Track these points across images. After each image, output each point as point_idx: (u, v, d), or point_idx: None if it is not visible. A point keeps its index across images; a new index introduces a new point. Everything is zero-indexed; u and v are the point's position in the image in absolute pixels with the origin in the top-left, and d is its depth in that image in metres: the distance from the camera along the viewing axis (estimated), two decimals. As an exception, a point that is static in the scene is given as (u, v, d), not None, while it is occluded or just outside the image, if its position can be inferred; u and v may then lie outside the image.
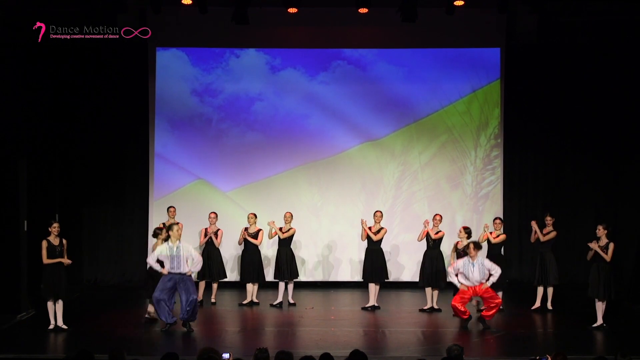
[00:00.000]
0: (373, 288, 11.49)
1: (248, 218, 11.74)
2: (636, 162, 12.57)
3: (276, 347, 8.22)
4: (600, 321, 10.08)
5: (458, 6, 11.96)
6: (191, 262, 9.89)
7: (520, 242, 13.34)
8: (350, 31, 13.38)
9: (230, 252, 13.13)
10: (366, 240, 11.52)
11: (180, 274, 9.80)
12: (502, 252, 11.70)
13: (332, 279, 13.51)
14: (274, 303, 11.67)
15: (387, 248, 12.49)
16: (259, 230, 11.68)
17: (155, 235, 10.50)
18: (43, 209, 12.09)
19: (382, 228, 11.46)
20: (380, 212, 11.59)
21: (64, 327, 9.86)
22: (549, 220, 11.44)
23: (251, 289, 11.76)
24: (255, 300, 11.79)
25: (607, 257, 10.05)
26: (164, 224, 11.16)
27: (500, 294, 11.29)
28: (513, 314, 11.13)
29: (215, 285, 11.88)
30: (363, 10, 11.96)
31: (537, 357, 6.65)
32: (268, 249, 12.99)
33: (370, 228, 11.41)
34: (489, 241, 11.38)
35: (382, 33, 13.40)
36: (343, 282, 13.44)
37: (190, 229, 12.14)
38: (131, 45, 12.15)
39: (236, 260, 13.07)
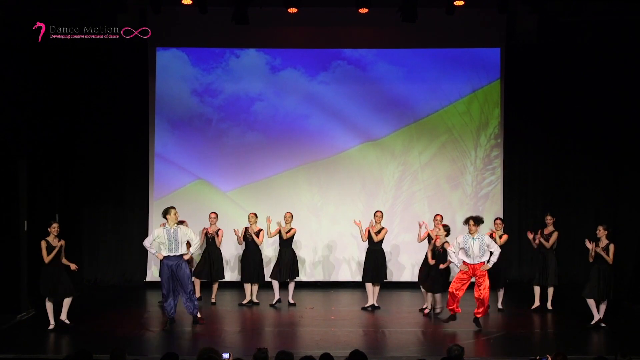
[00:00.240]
0: (371, 288, 11.49)
1: (249, 218, 11.74)
2: (636, 162, 12.57)
3: (276, 347, 8.23)
4: (597, 318, 10.08)
5: (458, 6, 11.95)
6: (191, 244, 9.97)
7: (520, 242, 13.34)
8: (350, 31, 13.39)
9: (230, 252, 13.14)
10: (367, 241, 11.52)
11: (177, 258, 9.83)
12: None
13: (332, 279, 13.52)
14: (273, 302, 11.67)
15: (387, 248, 12.49)
16: (260, 230, 11.68)
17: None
18: (43, 209, 12.08)
19: (382, 228, 11.46)
20: (381, 212, 11.59)
21: (67, 322, 9.87)
22: (549, 219, 11.43)
23: (251, 288, 11.76)
24: (255, 300, 11.79)
25: (609, 259, 10.05)
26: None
27: (501, 292, 11.31)
28: (513, 314, 11.12)
29: (215, 286, 11.89)
30: (363, 10, 11.96)
31: (537, 357, 6.65)
32: (268, 249, 12.99)
33: (371, 228, 11.39)
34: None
35: (382, 33, 13.40)
36: (343, 282, 13.45)
37: (192, 230, 12.12)
38: (131, 45, 12.15)
39: (236, 260, 13.08)
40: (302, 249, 13.36)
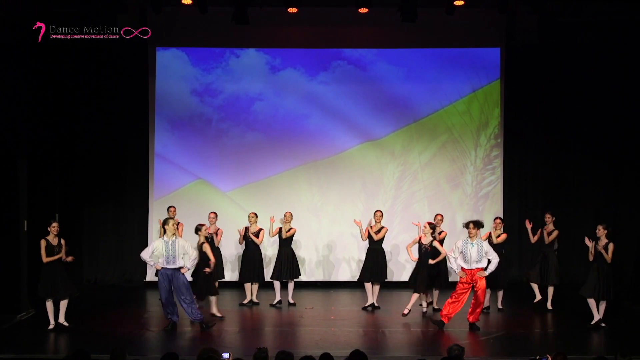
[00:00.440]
0: (371, 287, 11.49)
1: (249, 217, 11.74)
2: (636, 162, 12.58)
3: (276, 347, 8.23)
4: (597, 318, 10.08)
5: (458, 6, 11.95)
6: (187, 258, 9.93)
7: (520, 242, 13.34)
8: (350, 31, 13.39)
9: (230, 252, 13.14)
10: (367, 240, 11.53)
11: (173, 269, 9.83)
12: (503, 252, 11.68)
13: (332, 279, 13.52)
14: (274, 303, 11.67)
15: (388, 248, 12.49)
16: (260, 229, 11.68)
17: (197, 231, 10.63)
18: (43, 209, 12.08)
19: (382, 227, 11.46)
20: (381, 211, 11.59)
21: (65, 324, 9.86)
22: (549, 218, 11.43)
23: (251, 288, 11.76)
24: (255, 300, 11.79)
25: (608, 258, 10.05)
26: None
27: (501, 292, 11.31)
28: (513, 314, 11.12)
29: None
30: (363, 10, 11.97)
31: (537, 357, 6.65)
32: (268, 249, 12.99)
33: (371, 227, 11.40)
34: (491, 242, 11.37)
35: (382, 33, 13.40)
36: (343, 282, 13.45)
37: (190, 229, 12.07)
38: (131, 45, 12.15)
39: (236, 260, 13.08)
40: (302, 249, 13.37)
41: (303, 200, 13.46)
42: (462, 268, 9.93)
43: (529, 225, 11.56)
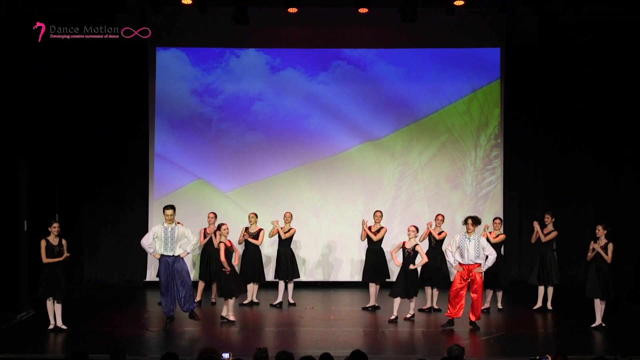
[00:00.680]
0: (373, 288, 11.48)
1: (249, 218, 11.74)
2: (636, 162, 12.58)
3: (276, 347, 8.24)
4: (599, 321, 10.07)
5: (458, 6, 11.94)
6: (187, 243, 9.95)
7: (520, 242, 13.35)
8: (350, 31, 13.38)
9: (230, 252, 13.12)
10: (366, 240, 11.53)
11: (173, 255, 9.84)
12: (502, 252, 11.69)
13: (332, 279, 13.52)
14: (274, 303, 11.67)
15: (388, 248, 12.48)
16: (260, 230, 11.68)
17: (218, 228, 10.62)
18: (43, 209, 12.09)
19: (382, 228, 11.46)
20: (380, 212, 11.60)
21: (64, 327, 9.85)
22: (548, 219, 11.43)
23: (251, 289, 11.76)
24: (255, 300, 11.79)
25: (608, 259, 10.04)
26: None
27: (500, 292, 11.31)
28: (513, 314, 11.12)
29: (214, 285, 11.86)
30: (363, 10, 11.96)
31: (537, 357, 6.64)
32: (268, 249, 12.99)
33: (370, 228, 11.41)
34: (488, 241, 11.36)
35: (382, 33, 13.40)
36: (343, 282, 13.45)
37: (190, 229, 12.11)
38: (131, 45, 12.15)
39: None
40: (302, 249, 13.36)
41: (303, 201, 13.46)
42: (459, 263, 9.95)
43: (537, 226, 11.51)
